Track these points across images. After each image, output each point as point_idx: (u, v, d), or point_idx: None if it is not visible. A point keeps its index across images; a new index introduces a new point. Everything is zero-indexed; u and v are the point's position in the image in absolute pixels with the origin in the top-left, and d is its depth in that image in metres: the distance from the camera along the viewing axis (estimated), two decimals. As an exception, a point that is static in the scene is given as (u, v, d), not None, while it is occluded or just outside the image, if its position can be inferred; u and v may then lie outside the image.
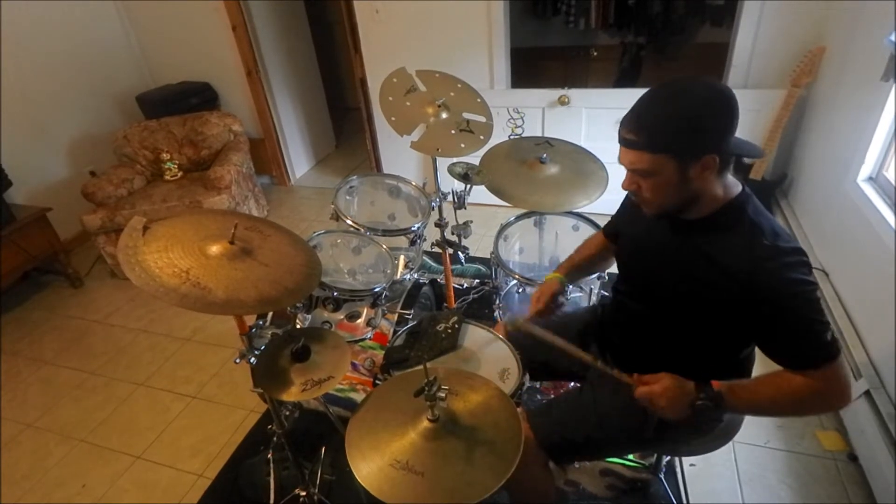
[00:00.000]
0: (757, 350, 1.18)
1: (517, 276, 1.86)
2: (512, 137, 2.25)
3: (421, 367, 0.99)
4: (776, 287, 0.96)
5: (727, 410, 1.05)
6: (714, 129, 0.95)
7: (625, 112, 1.03)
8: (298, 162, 4.31)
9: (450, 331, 1.49)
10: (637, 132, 0.98)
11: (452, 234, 2.02)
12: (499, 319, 2.07)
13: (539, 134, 3.17)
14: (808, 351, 0.97)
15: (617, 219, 1.37)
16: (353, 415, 1.06)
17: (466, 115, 1.80)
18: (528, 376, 1.41)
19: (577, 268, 1.45)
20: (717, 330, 1.09)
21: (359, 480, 0.92)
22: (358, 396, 2.10)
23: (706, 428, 1.22)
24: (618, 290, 1.32)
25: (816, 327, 0.96)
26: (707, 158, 0.96)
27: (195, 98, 3.73)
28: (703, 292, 1.04)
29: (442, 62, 2.79)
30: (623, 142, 1.01)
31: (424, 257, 2.71)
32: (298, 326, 1.73)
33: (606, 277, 1.83)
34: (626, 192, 1.28)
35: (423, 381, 0.96)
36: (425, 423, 0.98)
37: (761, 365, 1.21)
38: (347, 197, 2.02)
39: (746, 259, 0.98)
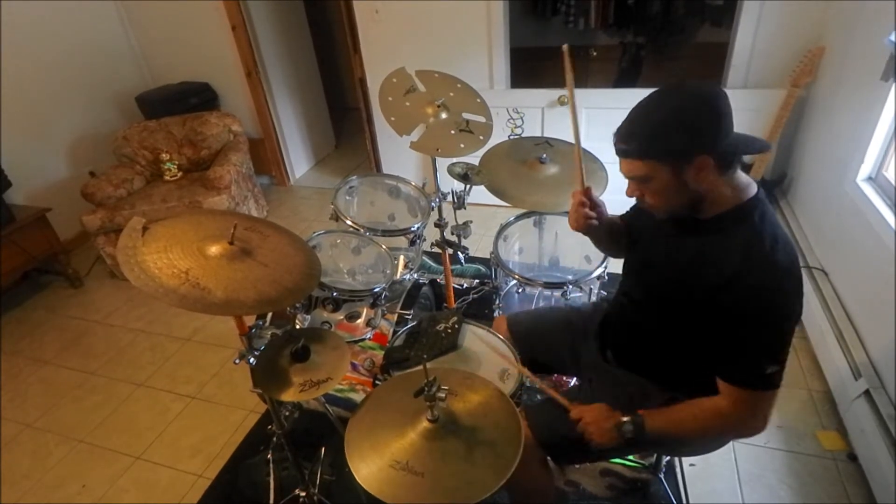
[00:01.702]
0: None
1: (517, 276, 1.86)
2: (511, 137, 2.25)
3: (420, 367, 0.99)
4: (751, 295, 0.96)
5: (650, 433, 1.10)
6: (700, 131, 0.95)
7: (625, 112, 1.04)
8: (298, 162, 4.31)
9: (450, 331, 1.49)
10: (628, 141, 1.01)
11: (452, 234, 2.02)
12: (497, 314, 2.07)
13: (539, 134, 3.17)
14: (743, 370, 0.99)
15: (631, 212, 1.35)
16: (353, 415, 1.06)
17: (466, 116, 1.80)
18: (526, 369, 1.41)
19: (611, 226, 1.33)
20: (712, 328, 1.09)
21: (358, 481, 0.92)
22: (357, 396, 2.10)
23: (621, 443, 1.23)
24: (623, 292, 1.32)
25: (765, 353, 0.97)
26: (700, 160, 0.96)
27: (195, 98, 3.72)
28: (696, 291, 1.05)
29: (441, 62, 2.78)
30: (618, 152, 1.04)
31: (424, 257, 2.71)
32: (298, 327, 1.73)
33: (606, 278, 1.83)
34: None
35: (422, 381, 0.96)
36: (425, 424, 0.98)
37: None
38: (347, 197, 2.02)
39: (737, 262, 0.98)
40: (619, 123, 1.04)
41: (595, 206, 1.25)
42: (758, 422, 1.01)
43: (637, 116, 1.01)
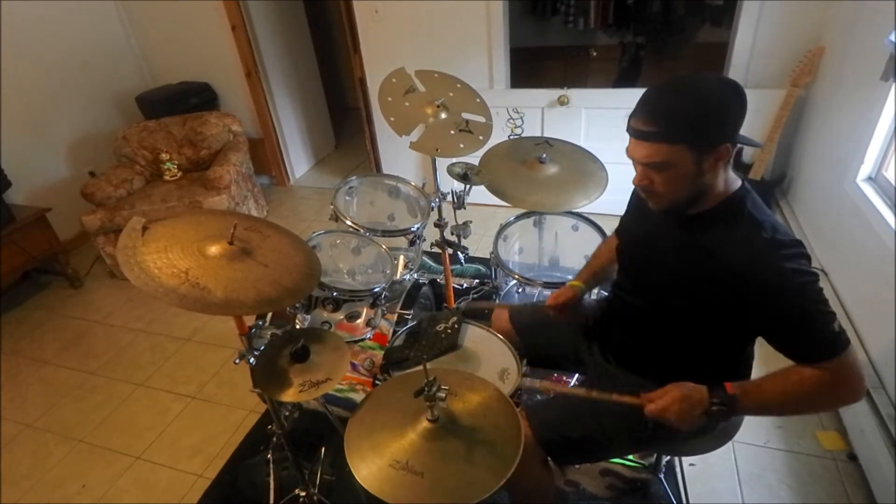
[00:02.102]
0: (756, 347, 1.18)
1: (517, 276, 1.86)
2: (511, 137, 2.25)
3: (420, 367, 0.99)
4: (777, 280, 0.96)
5: (741, 413, 1.03)
6: (729, 118, 0.96)
7: (625, 112, 1.02)
8: (298, 162, 4.31)
9: (449, 331, 1.49)
10: (654, 122, 0.96)
11: (452, 234, 2.02)
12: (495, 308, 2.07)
13: (538, 134, 3.17)
14: (815, 343, 0.96)
15: (623, 219, 1.37)
16: (353, 415, 1.06)
17: (466, 116, 1.80)
18: (525, 361, 1.41)
19: (595, 275, 1.45)
20: (717, 326, 1.09)
21: (358, 481, 0.92)
22: (357, 396, 2.10)
23: (707, 428, 1.22)
24: (619, 287, 1.32)
25: (821, 318, 0.95)
26: (722, 148, 0.96)
27: (194, 98, 3.72)
28: (703, 287, 1.04)
29: (441, 62, 2.79)
30: (637, 134, 0.99)
31: (424, 257, 2.71)
32: (298, 327, 1.73)
33: (606, 277, 1.83)
34: (630, 192, 1.29)
35: (422, 381, 0.96)
36: (425, 424, 0.98)
37: (761, 361, 1.21)
38: (347, 197, 2.02)
39: (746, 253, 0.98)
40: (619, 124, 1.04)
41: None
42: (858, 381, 0.97)
43: (663, 99, 0.97)
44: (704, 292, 1.04)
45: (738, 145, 1.04)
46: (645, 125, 0.97)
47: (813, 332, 0.96)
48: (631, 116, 1.00)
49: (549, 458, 1.27)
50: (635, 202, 1.29)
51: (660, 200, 1.06)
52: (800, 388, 0.98)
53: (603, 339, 1.39)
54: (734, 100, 0.96)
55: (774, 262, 0.96)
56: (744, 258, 0.98)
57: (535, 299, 2.09)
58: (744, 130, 1.01)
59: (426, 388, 0.95)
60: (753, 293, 0.98)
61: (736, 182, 1.06)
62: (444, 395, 0.97)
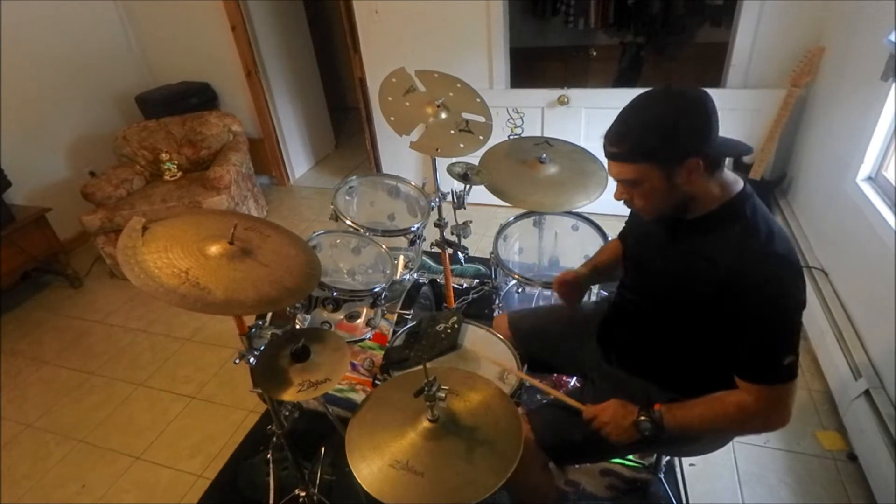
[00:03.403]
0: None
1: (517, 276, 1.86)
2: (511, 137, 2.25)
3: (420, 367, 0.99)
4: (755, 291, 0.96)
5: (669, 430, 1.07)
6: (690, 133, 0.96)
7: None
8: (298, 162, 4.31)
9: (449, 331, 1.49)
10: (618, 144, 1.01)
11: (452, 234, 2.02)
12: (497, 313, 2.07)
13: (538, 134, 3.17)
14: (761, 365, 0.98)
15: (628, 220, 1.38)
16: (353, 415, 1.06)
17: (466, 115, 1.80)
18: (526, 367, 1.41)
19: (597, 268, 1.45)
20: (715, 329, 1.09)
21: (358, 481, 0.92)
22: (357, 396, 2.09)
23: (641, 440, 1.23)
24: (622, 288, 1.33)
25: (779, 345, 0.97)
26: (691, 162, 0.97)
27: (194, 98, 3.72)
28: (698, 290, 1.05)
29: (441, 62, 2.79)
30: (607, 154, 1.04)
31: (424, 257, 2.71)
32: (298, 327, 1.73)
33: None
34: None
35: (422, 381, 0.96)
36: (425, 424, 0.98)
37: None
38: (347, 197, 2.02)
39: (735, 256, 0.99)
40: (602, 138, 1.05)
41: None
42: (783, 414, 1.00)
43: (626, 119, 1.00)
44: (699, 295, 1.05)
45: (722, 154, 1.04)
46: (611, 146, 1.02)
47: (764, 356, 0.98)
48: (604, 137, 1.04)
49: (549, 460, 1.27)
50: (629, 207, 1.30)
51: (644, 212, 1.09)
52: (723, 411, 1.03)
53: (605, 341, 1.39)
54: (693, 114, 0.96)
55: (759, 272, 0.96)
56: (731, 261, 0.98)
57: (534, 299, 2.09)
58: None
59: (426, 388, 0.95)
60: (729, 295, 0.98)
61: (737, 185, 1.05)
62: (444, 394, 0.97)
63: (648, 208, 1.07)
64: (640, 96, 1.01)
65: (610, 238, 1.86)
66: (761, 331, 0.97)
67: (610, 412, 1.13)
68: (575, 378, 1.92)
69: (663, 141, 0.96)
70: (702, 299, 1.04)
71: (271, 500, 1.67)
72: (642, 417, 1.08)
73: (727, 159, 1.07)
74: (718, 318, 1.02)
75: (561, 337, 1.49)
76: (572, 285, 1.42)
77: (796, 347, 0.97)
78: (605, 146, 1.03)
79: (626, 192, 1.07)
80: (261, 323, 1.35)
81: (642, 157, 0.98)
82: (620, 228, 1.41)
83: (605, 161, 1.80)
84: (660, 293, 1.17)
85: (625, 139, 0.99)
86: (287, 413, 1.47)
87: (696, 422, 1.06)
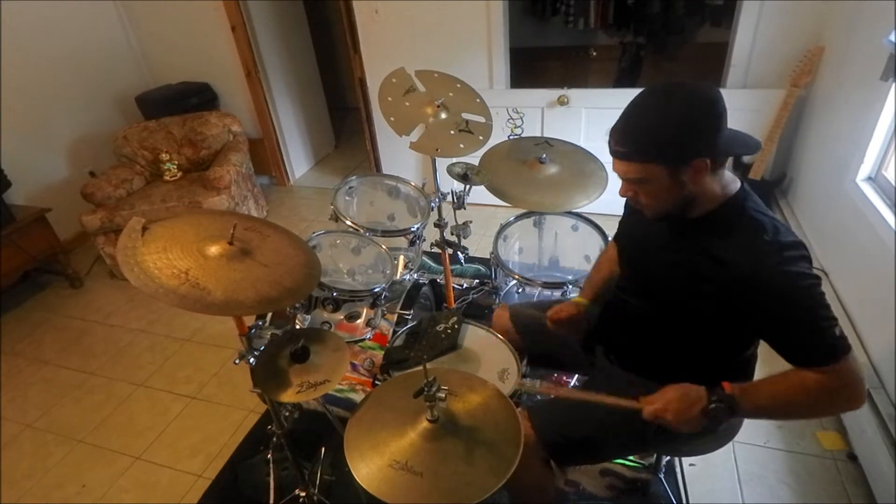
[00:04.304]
0: (759, 350, 1.18)
1: (517, 276, 1.86)
2: (511, 137, 2.25)
3: (420, 367, 0.99)
4: (779, 283, 0.95)
5: (740, 414, 1.01)
6: (700, 134, 0.95)
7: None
8: (298, 162, 4.31)
9: (449, 331, 1.49)
10: (624, 143, 0.99)
11: (452, 234, 2.02)
12: (496, 308, 2.07)
13: (538, 134, 3.17)
14: (816, 347, 0.96)
15: (622, 222, 1.37)
16: (353, 415, 1.06)
17: (465, 116, 1.80)
18: (526, 361, 1.40)
19: (598, 290, 1.44)
20: (718, 329, 1.09)
21: (358, 480, 0.92)
22: (357, 397, 2.10)
23: (708, 429, 1.22)
24: (621, 289, 1.32)
25: (822, 323, 0.95)
26: (698, 162, 0.96)
27: (195, 98, 3.72)
28: (704, 290, 1.04)
29: (441, 62, 2.79)
30: (612, 152, 1.03)
31: (424, 257, 2.71)
32: (298, 327, 1.73)
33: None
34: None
35: (422, 381, 0.96)
36: (425, 424, 0.98)
37: (763, 363, 1.21)
38: (347, 197, 2.02)
39: (748, 256, 0.98)
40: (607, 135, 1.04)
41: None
42: (860, 385, 0.96)
43: (633, 117, 0.99)
44: (704, 294, 1.04)
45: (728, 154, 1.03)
46: (616, 144, 1.00)
47: (814, 336, 0.96)
48: (608, 135, 1.02)
49: (550, 459, 1.27)
50: (632, 206, 1.29)
51: (649, 210, 1.08)
52: (800, 392, 0.97)
53: (606, 340, 1.38)
54: (705, 116, 0.95)
55: (777, 264, 0.96)
56: (745, 261, 0.98)
57: (534, 299, 2.09)
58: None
59: (426, 388, 0.95)
60: (756, 296, 0.97)
61: (735, 183, 1.05)
62: (443, 395, 0.97)
63: (654, 206, 1.06)
64: (645, 93, 0.99)
65: (610, 238, 1.86)
66: (803, 319, 0.95)
67: (675, 405, 1.02)
68: (576, 377, 1.92)
69: (671, 141, 0.95)
70: (708, 298, 1.04)
71: (271, 500, 1.67)
72: (713, 404, 0.99)
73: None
74: (731, 316, 1.01)
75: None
76: (569, 321, 1.38)
77: (835, 319, 0.96)
78: (609, 144, 1.02)
79: (631, 189, 1.06)
80: (261, 323, 1.35)
81: (648, 157, 0.97)
82: (620, 229, 1.41)
83: (605, 161, 1.82)
84: (662, 293, 1.16)
85: (631, 138, 0.98)
86: (287, 413, 1.47)
87: (777, 403, 1.00)
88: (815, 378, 0.96)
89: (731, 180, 1.05)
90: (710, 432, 1.17)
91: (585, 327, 1.40)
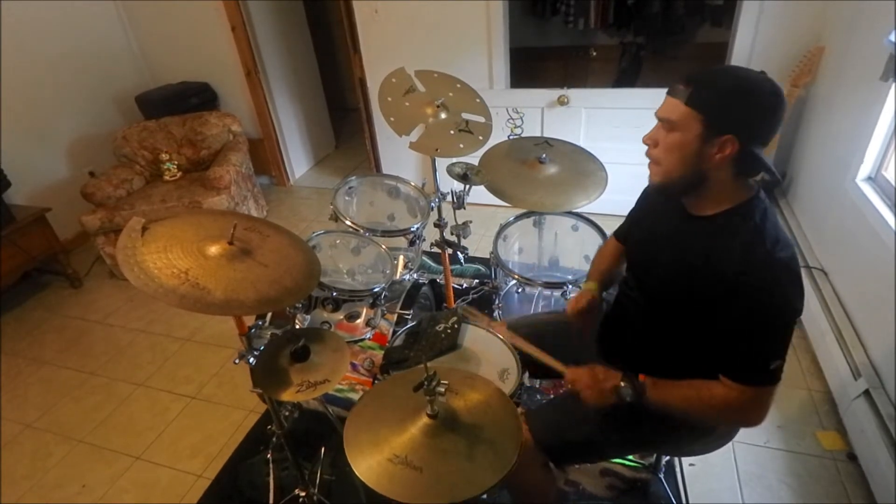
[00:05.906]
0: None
1: (516, 276, 1.86)
2: (511, 137, 2.25)
3: (420, 367, 0.99)
4: (756, 296, 0.96)
5: (646, 402, 1.10)
6: (749, 112, 0.95)
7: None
8: (298, 162, 4.31)
9: (449, 331, 1.49)
10: (686, 84, 0.99)
11: (452, 234, 2.02)
12: (497, 318, 2.07)
13: (538, 134, 3.17)
14: (747, 365, 1.00)
15: (629, 218, 1.38)
16: (353, 409, 1.06)
17: (465, 116, 1.80)
18: (527, 374, 1.40)
19: (603, 275, 1.46)
20: (711, 328, 1.09)
21: (357, 474, 0.92)
22: (357, 397, 2.10)
23: (617, 405, 1.22)
24: (625, 287, 1.32)
25: (771, 351, 0.98)
26: (727, 139, 0.96)
27: (194, 98, 3.72)
28: (700, 290, 1.04)
29: (441, 62, 2.79)
30: (670, 90, 1.02)
31: (424, 257, 2.71)
32: (298, 327, 1.73)
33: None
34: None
35: (422, 377, 0.96)
36: (425, 419, 0.98)
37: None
38: (346, 197, 2.02)
39: (740, 260, 0.98)
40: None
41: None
42: (761, 413, 1.03)
43: (712, 72, 1.00)
44: (701, 296, 1.05)
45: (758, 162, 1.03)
46: (680, 83, 1.00)
47: (753, 358, 0.99)
48: (684, 76, 1.02)
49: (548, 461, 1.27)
50: (643, 204, 1.30)
51: (657, 166, 1.07)
52: (705, 401, 1.05)
53: (604, 340, 1.38)
54: (764, 99, 0.95)
55: (762, 278, 0.96)
56: (736, 265, 0.98)
57: (534, 299, 2.09)
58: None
59: (426, 383, 0.95)
60: (730, 294, 0.98)
61: (752, 190, 1.05)
62: (443, 389, 0.97)
63: (664, 164, 1.04)
64: (739, 67, 1.01)
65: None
66: (755, 335, 0.98)
67: (589, 376, 1.15)
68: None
69: (723, 101, 0.96)
70: (703, 300, 1.04)
71: (271, 500, 1.67)
72: (623, 383, 1.10)
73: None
74: (713, 315, 1.02)
75: (558, 339, 1.49)
76: (590, 308, 1.40)
77: (785, 352, 0.99)
78: (674, 83, 1.01)
79: (657, 135, 1.05)
80: (261, 323, 1.35)
81: (696, 104, 0.97)
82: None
83: (604, 161, 1.83)
84: (664, 292, 1.16)
85: (695, 83, 0.98)
86: (287, 413, 1.47)
87: (678, 401, 1.08)
88: (723, 394, 1.03)
89: (749, 187, 1.05)
90: (684, 428, 1.22)
91: (602, 311, 1.44)
